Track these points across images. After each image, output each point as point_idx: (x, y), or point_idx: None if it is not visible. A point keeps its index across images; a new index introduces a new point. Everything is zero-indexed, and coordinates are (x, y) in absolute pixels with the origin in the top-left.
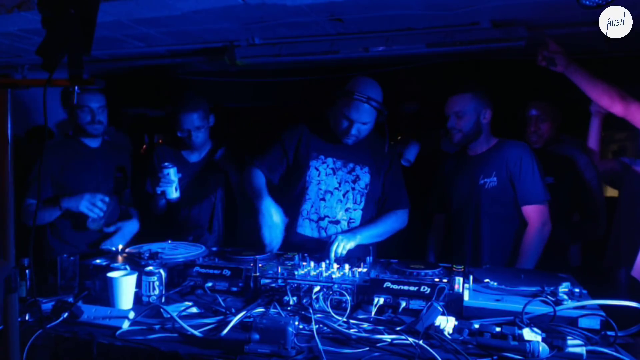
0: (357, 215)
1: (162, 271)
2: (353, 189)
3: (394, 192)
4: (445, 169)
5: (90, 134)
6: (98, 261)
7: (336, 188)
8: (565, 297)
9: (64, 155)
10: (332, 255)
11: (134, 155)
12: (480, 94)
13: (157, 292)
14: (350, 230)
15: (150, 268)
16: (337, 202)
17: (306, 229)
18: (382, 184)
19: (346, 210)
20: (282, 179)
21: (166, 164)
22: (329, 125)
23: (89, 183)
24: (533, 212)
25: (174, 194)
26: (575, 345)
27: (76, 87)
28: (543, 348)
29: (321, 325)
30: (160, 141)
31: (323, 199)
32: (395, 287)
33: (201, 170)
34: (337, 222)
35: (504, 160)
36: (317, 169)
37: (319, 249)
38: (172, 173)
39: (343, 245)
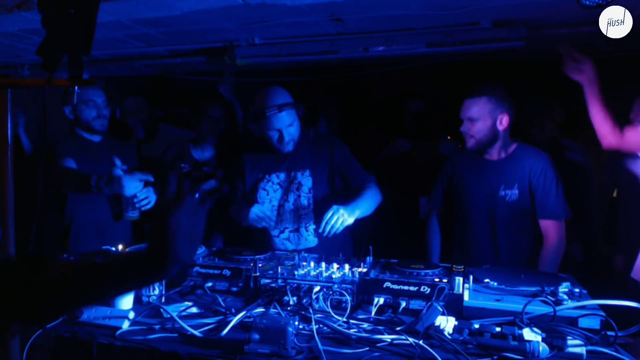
0: (310, 217)
1: None
2: (299, 196)
3: (354, 172)
4: (456, 169)
5: (95, 130)
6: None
7: (285, 200)
8: (565, 297)
9: (70, 150)
10: (325, 225)
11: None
12: (498, 98)
13: (157, 292)
14: (349, 204)
15: None
16: (289, 212)
17: (277, 245)
18: (332, 174)
19: (299, 217)
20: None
21: (182, 165)
22: (264, 143)
23: (111, 208)
24: (552, 228)
25: None
26: (575, 345)
27: (76, 87)
28: (543, 348)
29: (321, 325)
30: None
31: (278, 214)
32: (395, 287)
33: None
34: (297, 229)
35: (527, 171)
36: (265, 189)
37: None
38: None
39: (342, 221)
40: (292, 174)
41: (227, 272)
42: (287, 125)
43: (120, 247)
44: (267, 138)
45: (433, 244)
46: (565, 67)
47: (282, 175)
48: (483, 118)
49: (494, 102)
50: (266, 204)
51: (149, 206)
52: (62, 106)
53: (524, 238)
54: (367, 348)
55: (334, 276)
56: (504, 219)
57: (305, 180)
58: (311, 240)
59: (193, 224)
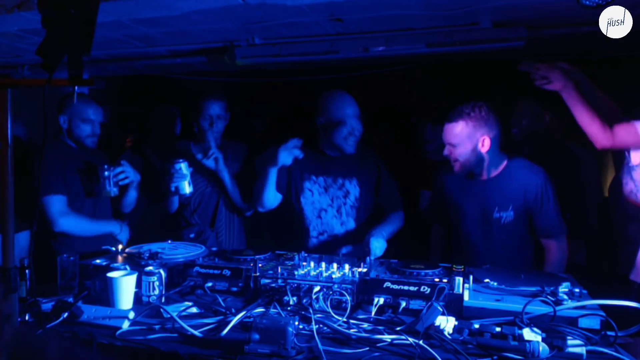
0: (352, 225)
1: (162, 271)
2: (345, 203)
3: (389, 198)
4: (446, 188)
5: (85, 147)
6: (98, 261)
7: (329, 205)
8: (565, 297)
9: (52, 159)
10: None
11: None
12: (476, 121)
13: (157, 292)
14: (377, 232)
15: (150, 268)
16: (332, 217)
17: (313, 242)
18: (375, 193)
19: (341, 224)
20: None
21: (178, 159)
22: (316, 144)
23: (85, 183)
24: (554, 245)
25: (187, 188)
26: (575, 345)
27: (76, 87)
28: (543, 348)
29: (321, 325)
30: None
31: (319, 217)
32: (395, 287)
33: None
34: (335, 235)
35: (521, 190)
36: (311, 190)
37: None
38: (184, 167)
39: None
40: (340, 180)
41: (227, 272)
42: (358, 126)
43: (119, 247)
44: (335, 135)
45: (435, 248)
46: (536, 82)
47: (329, 180)
48: (462, 143)
49: (471, 126)
50: (308, 205)
51: (126, 181)
52: (58, 115)
53: (522, 253)
54: (367, 348)
55: (334, 276)
56: (500, 239)
57: (353, 190)
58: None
59: None
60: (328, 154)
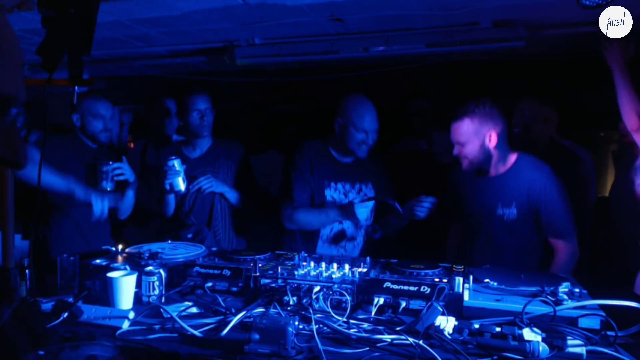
0: (366, 229)
1: (162, 271)
2: None
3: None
4: (459, 184)
5: (99, 142)
6: (98, 261)
7: None
8: (565, 297)
9: (65, 151)
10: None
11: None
12: (481, 117)
13: (157, 292)
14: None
15: (150, 268)
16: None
17: (326, 250)
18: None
19: (360, 227)
20: None
21: (170, 156)
22: (329, 151)
23: (87, 180)
24: (561, 245)
25: (181, 185)
26: (575, 345)
27: (76, 87)
28: (543, 348)
29: (321, 325)
30: None
31: (341, 222)
32: (395, 287)
33: (202, 166)
34: (354, 238)
35: (525, 188)
36: (333, 197)
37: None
38: (177, 164)
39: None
40: (357, 185)
41: (227, 272)
42: (374, 129)
43: (120, 246)
44: (350, 138)
45: (451, 246)
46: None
47: (348, 186)
48: (470, 140)
49: (477, 123)
50: None
51: (122, 177)
52: (71, 113)
53: (529, 256)
54: (367, 348)
55: (334, 276)
56: (503, 239)
57: (370, 193)
58: (357, 251)
59: None
60: (340, 161)
